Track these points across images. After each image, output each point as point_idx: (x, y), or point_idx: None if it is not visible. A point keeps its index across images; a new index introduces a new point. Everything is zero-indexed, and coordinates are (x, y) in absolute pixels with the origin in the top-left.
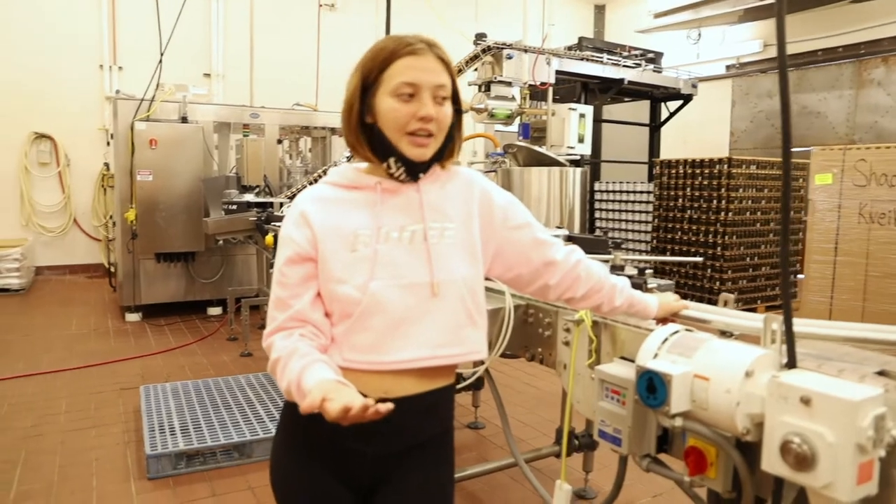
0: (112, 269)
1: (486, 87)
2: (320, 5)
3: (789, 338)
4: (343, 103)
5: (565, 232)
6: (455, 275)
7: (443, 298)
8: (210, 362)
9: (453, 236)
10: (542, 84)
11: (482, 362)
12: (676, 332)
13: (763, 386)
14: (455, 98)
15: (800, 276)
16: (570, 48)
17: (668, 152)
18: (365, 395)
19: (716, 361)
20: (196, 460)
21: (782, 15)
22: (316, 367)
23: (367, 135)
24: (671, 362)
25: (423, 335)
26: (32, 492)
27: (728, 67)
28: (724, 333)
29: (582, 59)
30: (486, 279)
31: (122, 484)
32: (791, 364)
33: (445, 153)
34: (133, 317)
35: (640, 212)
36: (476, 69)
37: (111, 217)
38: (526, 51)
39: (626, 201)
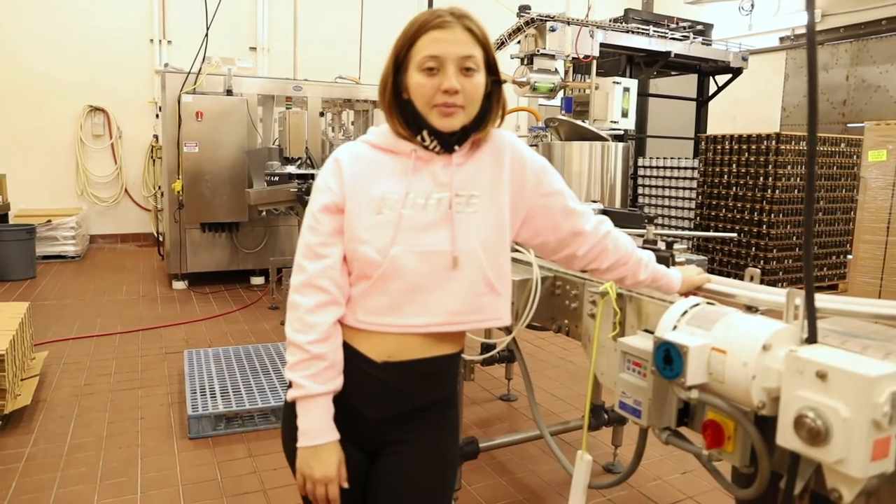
0: (160, 239)
1: (528, 60)
2: None
3: (810, 312)
4: (379, 81)
5: (600, 206)
6: (476, 245)
7: (462, 269)
8: (251, 330)
9: (479, 204)
10: (586, 57)
11: (509, 332)
12: (697, 304)
13: (780, 360)
14: (492, 68)
15: (849, 256)
16: (615, 20)
17: (715, 127)
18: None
19: (734, 334)
20: (234, 422)
21: None
22: (323, 404)
23: (401, 110)
24: (689, 334)
25: (439, 303)
26: (84, 445)
27: (782, 39)
28: (750, 308)
29: (627, 32)
30: (515, 244)
31: (165, 442)
32: (811, 339)
33: (483, 123)
34: (179, 284)
35: (685, 188)
36: (519, 42)
37: (160, 188)
38: (569, 23)
39: (671, 177)
